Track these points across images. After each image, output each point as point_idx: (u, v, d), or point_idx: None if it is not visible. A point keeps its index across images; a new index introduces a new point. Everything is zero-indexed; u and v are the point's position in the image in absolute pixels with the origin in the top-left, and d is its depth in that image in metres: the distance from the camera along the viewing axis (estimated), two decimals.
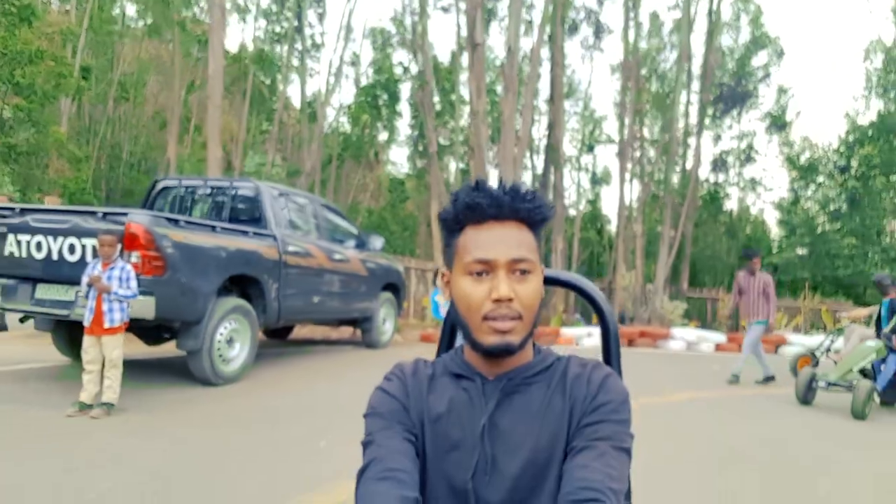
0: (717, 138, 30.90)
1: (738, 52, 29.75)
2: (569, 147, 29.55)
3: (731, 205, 32.88)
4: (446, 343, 1.41)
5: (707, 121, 26.32)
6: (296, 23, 24.68)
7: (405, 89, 29.50)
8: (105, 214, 5.68)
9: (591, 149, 31.94)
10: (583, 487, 0.93)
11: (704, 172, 30.05)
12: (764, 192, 33.60)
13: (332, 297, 8.19)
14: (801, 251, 28.49)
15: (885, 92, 28.75)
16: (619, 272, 16.49)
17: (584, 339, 12.37)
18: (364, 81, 28.93)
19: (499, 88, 23.29)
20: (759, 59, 30.04)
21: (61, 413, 5.02)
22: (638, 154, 20.05)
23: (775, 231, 33.10)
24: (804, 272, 26.29)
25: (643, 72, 24.69)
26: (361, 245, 8.98)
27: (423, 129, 27.22)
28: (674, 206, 17.98)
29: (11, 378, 6.32)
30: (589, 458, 0.97)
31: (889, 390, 7.65)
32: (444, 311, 6.16)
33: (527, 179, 23.37)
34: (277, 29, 27.56)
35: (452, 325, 1.41)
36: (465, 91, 20.35)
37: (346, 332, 10.83)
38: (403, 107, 30.15)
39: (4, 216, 6.00)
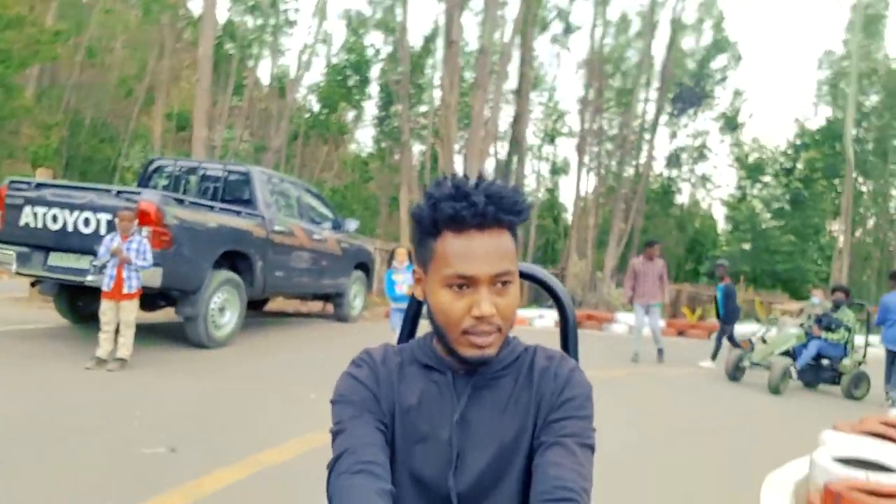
0: (673, 135, 32.27)
1: (699, 54, 30.97)
2: (531, 137, 30.60)
3: (682, 199, 34.44)
4: (407, 332, 1.40)
5: (664, 118, 27.57)
6: None
7: (375, 70, 30.11)
8: (119, 192, 6.37)
9: (552, 140, 33.05)
10: (558, 487, 0.94)
11: (659, 167, 31.44)
12: (714, 189, 35.17)
13: (311, 273, 8.96)
14: (744, 246, 30.02)
15: (834, 101, 30.26)
16: (571, 260, 17.55)
17: (537, 321, 13.37)
18: (335, 61, 29.38)
19: (468, 74, 24.09)
20: (717, 62, 31.32)
21: (80, 367, 5.74)
22: (596, 149, 21.06)
23: (722, 226, 34.75)
24: (745, 265, 27.83)
25: (607, 68, 25.70)
26: (337, 226, 9.75)
27: (390, 111, 27.84)
28: (626, 200, 19.09)
29: (21, 336, 6.98)
30: (560, 455, 0.98)
31: (808, 372, 8.79)
32: (399, 290, 6.91)
33: (489, 166, 24.31)
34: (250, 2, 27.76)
35: (415, 315, 1.41)
36: (436, 77, 20.99)
37: (315, 306, 11.61)
38: (372, 88, 30.79)
39: (21, 189, 6.62)
